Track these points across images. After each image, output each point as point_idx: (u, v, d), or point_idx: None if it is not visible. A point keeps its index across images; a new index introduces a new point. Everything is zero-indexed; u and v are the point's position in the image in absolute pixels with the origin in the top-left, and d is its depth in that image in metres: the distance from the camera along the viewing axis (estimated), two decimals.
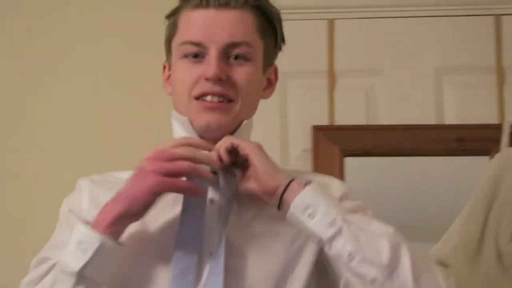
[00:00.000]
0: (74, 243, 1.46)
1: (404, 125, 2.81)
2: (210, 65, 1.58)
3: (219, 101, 1.59)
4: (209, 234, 1.62)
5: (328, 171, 2.50)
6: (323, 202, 1.53)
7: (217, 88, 1.58)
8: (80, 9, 3.29)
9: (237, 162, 1.56)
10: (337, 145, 2.67)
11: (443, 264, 2.51)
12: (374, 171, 2.66)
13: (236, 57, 1.63)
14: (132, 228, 1.54)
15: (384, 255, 1.50)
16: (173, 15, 1.70)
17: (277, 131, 2.74)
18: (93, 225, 1.46)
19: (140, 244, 1.57)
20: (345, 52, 2.93)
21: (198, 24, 1.63)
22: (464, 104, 2.76)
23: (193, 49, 1.62)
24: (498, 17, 2.80)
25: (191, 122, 1.63)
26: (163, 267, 1.56)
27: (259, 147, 1.60)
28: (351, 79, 2.91)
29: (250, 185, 1.58)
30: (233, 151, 1.55)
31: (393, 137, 2.76)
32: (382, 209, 1.82)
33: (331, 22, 2.90)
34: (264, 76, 1.71)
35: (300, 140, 2.72)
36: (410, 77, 2.89)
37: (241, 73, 1.62)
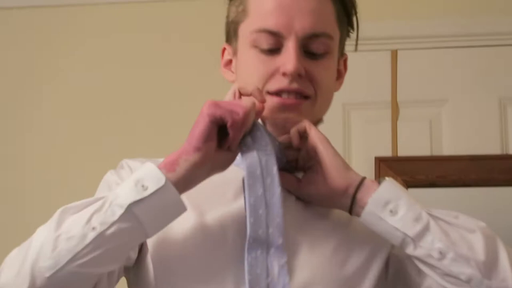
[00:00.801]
0: (133, 180, 1.35)
1: (468, 155, 2.74)
2: (290, 59, 1.46)
3: (296, 98, 1.48)
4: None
5: None
6: (404, 196, 1.40)
7: (295, 85, 1.46)
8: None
9: (298, 159, 1.44)
10: (401, 176, 2.63)
11: None
12: (438, 202, 2.46)
13: (314, 51, 1.51)
14: (191, 219, 1.43)
15: (480, 251, 1.39)
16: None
17: None
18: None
19: (201, 235, 1.45)
20: (408, 82, 2.89)
21: (275, 9, 1.50)
22: None
23: (269, 40, 1.49)
24: None
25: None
26: (230, 262, 1.44)
27: (329, 141, 1.48)
28: (414, 109, 2.89)
29: (312, 189, 1.45)
30: (302, 138, 1.44)
31: (457, 168, 2.71)
32: None
33: (394, 53, 2.86)
34: (336, 68, 1.60)
35: (364, 171, 2.51)
36: (474, 106, 2.83)
37: (320, 68, 1.50)
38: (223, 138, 1.36)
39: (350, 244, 1.50)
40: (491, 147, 2.74)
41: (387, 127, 2.79)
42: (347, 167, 1.41)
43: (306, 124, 1.42)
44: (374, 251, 1.53)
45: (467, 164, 2.69)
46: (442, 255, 1.37)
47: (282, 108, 1.45)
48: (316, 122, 1.51)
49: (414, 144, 2.80)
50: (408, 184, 2.59)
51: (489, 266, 1.37)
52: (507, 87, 2.78)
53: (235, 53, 1.54)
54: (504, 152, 2.74)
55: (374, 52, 2.83)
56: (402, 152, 2.77)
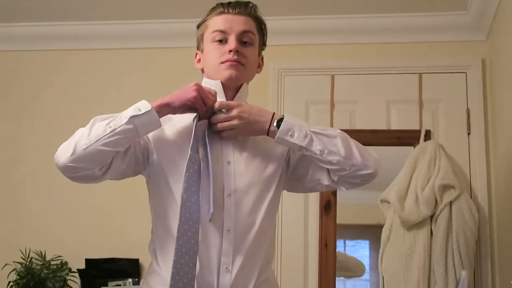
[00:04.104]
0: (134, 107, 1.86)
1: (369, 129, 3.62)
2: (232, 43, 2.02)
3: (237, 61, 2.01)
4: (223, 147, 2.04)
5: None
6: (297, 124, 1.94)
7: (235, 57, 2.01)
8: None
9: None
10: None
11: (386, 200, 3.40)
12: None
13: (245, 42, 2.05)
14: (164, 134, 2.00)
15: (340, 147, 1.92)
16: (203, 22, 2.12)
17: None
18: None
19: (168, 144, 2.00)
20: (342, 100, 3.75)
21: (222, 21, 2.05)
22: None
23: (220, 35, 2.03)
24: None
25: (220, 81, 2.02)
26: (182, 159, 1.94)
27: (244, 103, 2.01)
28: (345, 106, 3.76)
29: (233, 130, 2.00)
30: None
31: (363, 136, 3.01)
32: None
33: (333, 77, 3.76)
34: (257, 59, 2.13)
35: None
36: (373, 106, 3.73)
37: (248, 51, 2.06)
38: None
39: (268, 156, 2.07)
40: (381, 125, 3.70)
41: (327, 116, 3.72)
42: (262, 109, 2.00)
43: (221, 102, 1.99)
44: (280, 157, 2.10)
45: (368, 134, 3.61)
46: (321, 152, 1.93)
47: (229, 66, 2.03)
48: (248, 78, 2.10)
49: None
50: None
51: (348, 153, 1.93)
52: (392, 93, 3.71)
53: (202, 51, 2.11)
54: (387, 128, 3.71)
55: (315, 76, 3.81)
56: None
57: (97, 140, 1.82)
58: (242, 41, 2.04)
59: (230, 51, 2.01)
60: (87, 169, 1.86)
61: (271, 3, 3.27)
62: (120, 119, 1.84)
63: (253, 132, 2.01)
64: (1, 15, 3.86)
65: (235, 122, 1.97)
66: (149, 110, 1.85)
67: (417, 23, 3.73)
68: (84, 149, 1.81)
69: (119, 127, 1.82)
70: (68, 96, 4.03)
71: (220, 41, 2.04)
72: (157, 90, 3.19)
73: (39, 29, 4.02)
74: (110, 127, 1.82)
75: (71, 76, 4.06)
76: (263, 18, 2.11)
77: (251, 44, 2.07)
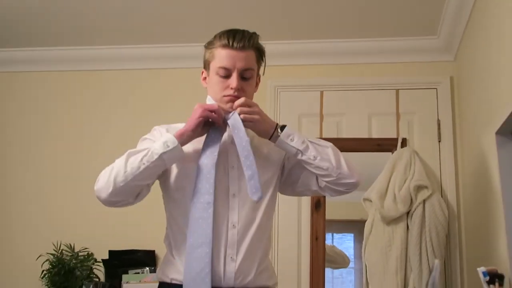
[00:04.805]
0: (162, 142, 1.88)
1: (352, 138, 3.61)
2: (234, 81, 1.99)
3: (238, 96, 2.00)
4: (228, 154, 2.02)
5: None
6: (296, 133, 1.98)
7: (236, 93, 2.00)
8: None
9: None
10: None
11: (368, 199, 3.37)
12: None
13: (245, 78, 2.02)
14: (185, 150, 1.95)
15: (332, 157, 1.97)
16: (210, 48, 2.06)
17: None
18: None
19: (187, 158, 1.98)
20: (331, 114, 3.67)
21: (226, 58, 1.99)
22: None
23: (224, 72, 2.00)
24: None
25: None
26: (192, 164, 1.97)
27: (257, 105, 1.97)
28: (335, 118, 3.74)
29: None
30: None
31: (347, 143, 3.50)
32: None
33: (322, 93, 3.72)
34: (255, 82, 2.10)
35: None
36: (357, 117, 3.70)
37: (247, 84, 2.04)
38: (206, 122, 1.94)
39: (267, 161, 2.08)
40: (363, 134, 3.71)
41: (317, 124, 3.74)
42: (267, 117, 2.00)
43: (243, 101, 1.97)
44: (278, 163, 2.10)
45: (353, 142, 3.64)
46: (315, 158, 1.95)
47: (230, 100, 2.01)
48: None
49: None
50: None
51: (337, 163, 1.96)
52: (373, 106, 3.70)
53: (208, 75, 2.08)
54: (369, 136, 3.70)
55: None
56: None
57: (133, 177, 1.85)
58: (243, 76, 2.02)
59: (232, 88, 1.99)
60: (124, 200, 1.92)
61: (269, 30, 3.46)
62: (152, 155, 1.86)
63: (262, 130, 2.00)
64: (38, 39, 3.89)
65: (256, 116, 1.96)
66: (176, 146, 1.88)
67: (395, 46, 3.75)
68: (121, 186, 1.84)
69: (151, 163, 1.86)
70: (94, 110, 4.07)
71: (224, 76, 2.01)
72: (174, 104, 3.68)
73: (71, 53, 4.05)
74: (144, 163, 1.85)
75: (97, 94, 4.10)
76: (262, 46, 2.09)
77: (251, 77, 2.04)
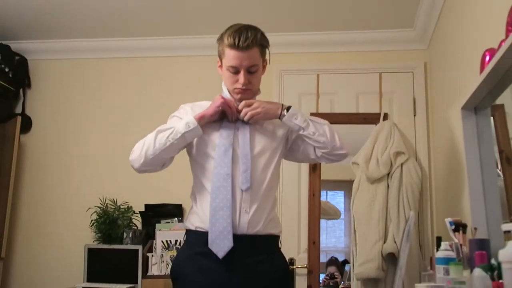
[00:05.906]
0: (184, 122, 1.90)
1: (342, 113, 3.49)
2: (242, 78, 1.94)
3: (245, 89, 1.97)
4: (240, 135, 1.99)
5: None
6: (299, 112, 1.98)
7: (244, 87, 1.96)
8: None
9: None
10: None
11: (356, 162, 3.30)
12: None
13: (252, 72, 1.97)
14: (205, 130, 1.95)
15: (328, 132, 1.97)
16: (220, 44, 1.98)
17: None
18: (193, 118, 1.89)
19: (206, 134, 1.97)
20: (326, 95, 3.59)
21: (234, 59, 1.93)
22: None
23: (233, 69, 1.95)
24: None
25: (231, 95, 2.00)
26: (214, 137, 1.97)
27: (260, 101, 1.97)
28: (330, 96, 3.62)
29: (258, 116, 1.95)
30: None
31: (338, 117, 3.38)
32: None
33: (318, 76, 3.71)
34: (262, 67, 2.03)
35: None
36: (344, 95, 3.59)
37: (254, 77, 1.98)
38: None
39: (273, 135, 2.03)
40: (352, 109, 3.63)
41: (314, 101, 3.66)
42: (271, 101, 2.00)
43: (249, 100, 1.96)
44: (282, 136, 2.05)
45: (343, 116, 3.54)
46: (314, 133, 1.95)
47: (239, 92, 1.98)
48: (255, 94, 2.04)
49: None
50: None
51: (331, 137, 1.96)
52: (360, 87, 3.59)
53: (221, 65, 2.02)
54: (357, 111, 3.61)
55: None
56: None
57: (160, 151, 1.87)
58: (249, 71, 1.96)
59: (241, 83, 1.96)
60: (152, 169, 1.95)
61: (275, 23, 3.47)
62: (176, 134, 1.88)
63: (270, 116, 1.98)
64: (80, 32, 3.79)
65: (258, 110, 1.95)
66: (196, 126, 1.89)
67: (378, 38, 3.65)
68: (151, 158, 1.88)
69: (175, 140, 1.87)
70: (126, 90, 3.99)
71: (234, 72, 1.97)
72: (200, 85, 3.57)
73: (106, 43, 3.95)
74: (169, 140, 1.87)
75: (129, 79, 4.01)
76: (265, 39, 2.00)
77: (256, 70, 1.98)
